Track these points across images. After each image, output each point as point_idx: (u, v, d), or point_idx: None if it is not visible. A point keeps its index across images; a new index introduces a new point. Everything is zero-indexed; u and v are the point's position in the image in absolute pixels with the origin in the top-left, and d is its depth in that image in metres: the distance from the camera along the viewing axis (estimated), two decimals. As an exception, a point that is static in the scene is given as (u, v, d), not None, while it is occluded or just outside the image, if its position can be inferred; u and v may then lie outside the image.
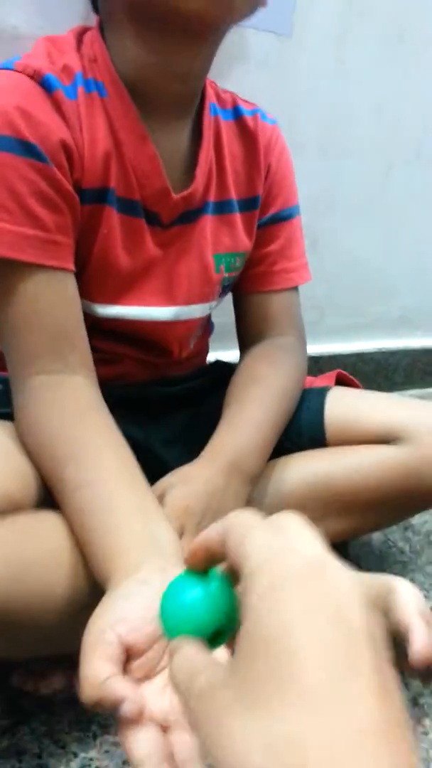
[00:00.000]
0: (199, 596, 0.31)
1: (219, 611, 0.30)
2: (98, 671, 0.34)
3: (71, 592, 0.49)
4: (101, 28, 0.63)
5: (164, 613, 0.32)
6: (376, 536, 0.85)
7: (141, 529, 0.46)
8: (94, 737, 0.54)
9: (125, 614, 0.37)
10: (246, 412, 0.66)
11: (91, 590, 0.48)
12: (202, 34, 0.58)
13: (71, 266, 0.58)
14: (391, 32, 1.04)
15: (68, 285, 0.58)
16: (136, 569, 0.41)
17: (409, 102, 1.11)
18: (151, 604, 0.35)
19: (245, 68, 0.61)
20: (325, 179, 1.10)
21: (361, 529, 0.76)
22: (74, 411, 0.56)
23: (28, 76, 0.56)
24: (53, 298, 0.57)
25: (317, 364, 1.24)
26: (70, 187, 0.57)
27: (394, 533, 0.87)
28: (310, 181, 0.78)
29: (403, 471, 0.67)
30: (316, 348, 1.24)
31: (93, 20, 0.65)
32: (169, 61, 0.59)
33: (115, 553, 0.44)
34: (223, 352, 0.88)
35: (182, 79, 0.62)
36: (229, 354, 0.83)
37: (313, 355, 1.23)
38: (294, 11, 0.93)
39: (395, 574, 0.76)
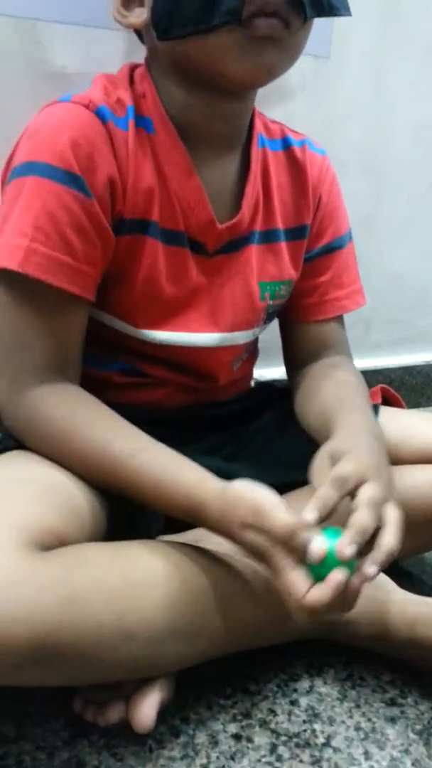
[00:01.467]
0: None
1: None
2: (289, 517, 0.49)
3: (116, 618, 0.49)
4: (148, 65, 0.66)
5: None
6: (429, 554, 0.84)
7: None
8: (150, 750, 0.56)
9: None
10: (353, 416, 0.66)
11: (136, 617, 0.50)
12: (245, 91, 0.63)
13: (90, 296, 0.62)
14: (428, 54, 1.05)
15: (82, 312, 0.62)
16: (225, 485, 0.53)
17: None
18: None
19: (284, 90, 0.63)
20: (367, 198, 1.11)
21: (418, 548, 0.75)
22: (89, 402, 0.61)
23: (84, 106, 0.60)
24: (68, 322, 0.61)
25: (364, 379, 1.24)
26: (106, 223, 0.61)
27: (447, 550, 0.86)
28: (352, 200, 0.79)
29: None
30: (362, 363, 1.23)
31: (136, 57, 0.68)
32: (213, 106, 0.62)
33: (203, 478, 0.55)
34: (265, 369, 0.89)
35: (226, 120, 0.65)
36: (270, 371, 0.85)
37: (360, 369, 1.23)
38: (332, 32, 0.95)
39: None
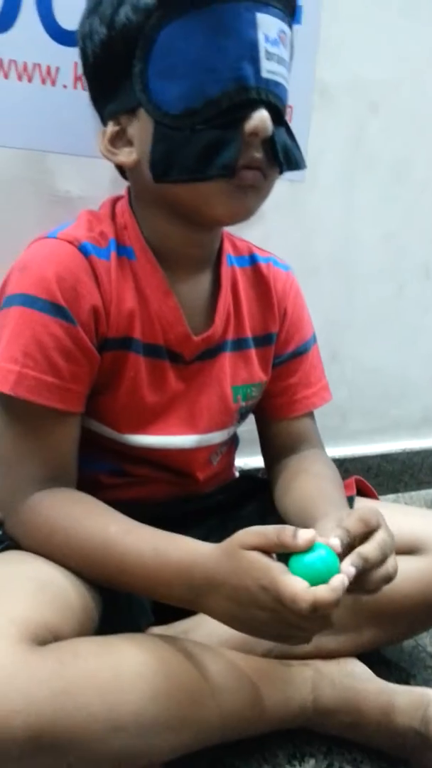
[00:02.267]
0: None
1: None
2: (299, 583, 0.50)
3: (107, 710, 0.52)
4: (130, 197, 0.74)
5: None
6: (407, 642, 0.87)
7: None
8: None
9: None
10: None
11: (125, 709, 0.53)
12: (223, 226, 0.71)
13: (78, 409, 0.67)
14: (392, 172, 1.16)
15: (73, 425, 0.68)
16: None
17: (415, 232, 1.23)
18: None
19: (263, 211, 0.71)
20: (341, 300, 1.20)
21: (394, 638, 0.79)
22: (83, 498, 0.66)
23: (68, 242, 0.67)
24: (60, 434, 0.67)
25: (342, 466, 1.29)
26: (91, 345, 0.67)
27: (424, 638, 0.89)
28: (327, 302, 0.87)
29: (428, 581, 0.71)
30: (340, 450, 1.30)
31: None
32: (191, 236, 0.70)
33: (194, 549, 0.59)
34: (249, 458, 0.94)
35: (201, 246, 0.73)
36: (255, 459, 0.89)
37: (338, 457, 1.29)
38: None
39: (426, 678, 0.79)
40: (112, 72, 0.66)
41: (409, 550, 0.74)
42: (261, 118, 0.62)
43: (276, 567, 0.53)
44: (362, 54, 1.07)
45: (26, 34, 0.81)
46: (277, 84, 0.64)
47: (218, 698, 0.59)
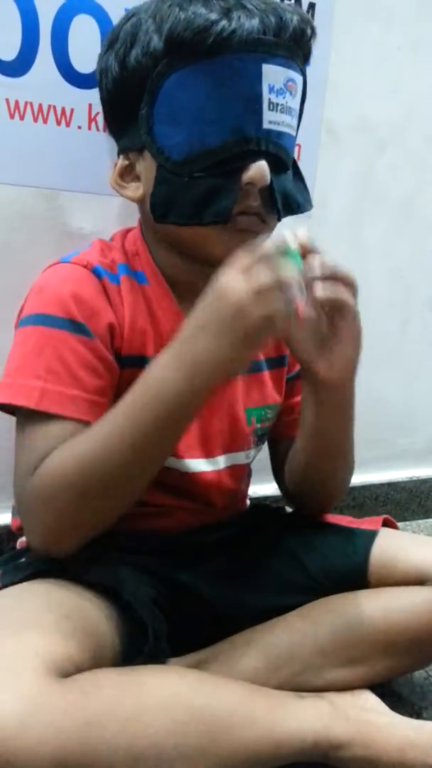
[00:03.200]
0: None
1: None
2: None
3: (128, 741, 0.53)
4: (141, 227, 0.76)
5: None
6: (418, 673, 0.87)
7: None
8: None
9: None
10: None
11: (146, 741, 0.53)
12: None
13: None
14: (399, 209, 1.19)
15: None
16: None
17: (421, 268, 1.25)
18: None
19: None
20: (348, 333, 1.21)
21: (406, 668, 0.79)
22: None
23: (82, 266, 0.69)
24: None
25: (351, 494, 1.30)
26: (110, 357, 0.68)
27: (434, 669, 0.89)
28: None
29: None
30: (348, 479, 1.30)
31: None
32: (199, 270, 0.70)
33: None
34: (258, 486, 0.94)
35: (210, 277, 0.73)
36: (264, 487, 0.90)
37: (346, 486, 1.30)
38: (313, 196, 1.08)
39: (437, 708, 0.79)
40: (123, 109, 0.68)
41: (420, 580, 0.74)
42: (258, 169, 0.63)
43: (243, 255, 0.59)
44: (369, 94, 1.10)
45: (42, 77, 0.84)
46: (279, 134, 0.65)
47: (235, 731, 0.59)
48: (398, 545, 0.78)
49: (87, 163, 0.88)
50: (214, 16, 0.61)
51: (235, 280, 0.58)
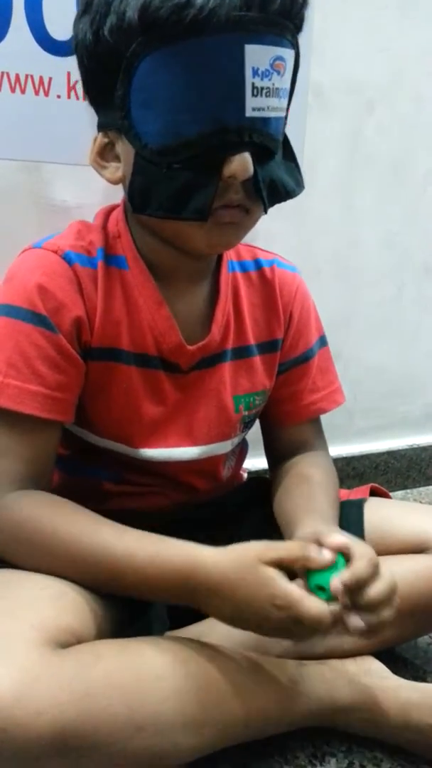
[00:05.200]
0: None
1: None
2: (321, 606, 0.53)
3: (128, 710, 0.53)
4: (126, 209, 0.72)
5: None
6: (421, 639, 0.87)
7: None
8: None
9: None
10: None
11: (146, 709, 0.53)
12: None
13: (63, 417, 0.67)
14: (390, 171, 1.17)
15: (56, 431, 0.67)
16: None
17: (415, 231, 1.23)
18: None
19: (262, 217, 0.71)
20: (342, 301, 1.20)
21: (409, 635, 0.79)
22: (66, 502, 0.64)
23: (53, 252, 0.67)
24: (42, 440, 0.66)
25: (350, 464, 1.30)
26: (75, 353, 0.67)
27: (438, 633, 0.88)
28: (329, 303, 0.87)
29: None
30: (347, 449, 1.30)
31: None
32: (182, 257, 0.69)
33: (195, 554, 0.58)
34: (256, 459, 0.93)
35: (194, 265, 0.71)
36: (262, 461, 0.90)
37: (345, 455, 1.30)
38: (302, 162, 1.06)
39: (441, 673, 0.79)
40: (100, 85, 0.63)
41: (419, 548, 0.73)
42: (240, 162, 0.59)
43: (296, 592, 0.54)
44: (356, 54, 1.07)
45: (18, 45, 0.82)
46: (265, 120, 0.59)
47: (237, 697, 0.59)
48: (394, 514, 0.78)
49: (68, 133, 0.85)
50: None
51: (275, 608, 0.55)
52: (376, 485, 0.85)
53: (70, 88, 0.85)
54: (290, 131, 0.70)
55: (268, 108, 0.59)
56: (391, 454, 1.35)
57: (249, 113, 0.58)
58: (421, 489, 1.40)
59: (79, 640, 0.56)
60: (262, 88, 0.58)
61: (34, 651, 0.51)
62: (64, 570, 0.60)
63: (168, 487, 0.76)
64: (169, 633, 0.67)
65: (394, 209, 1.20)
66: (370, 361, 1.27)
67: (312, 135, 1.05)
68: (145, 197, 0.62)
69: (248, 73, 0.57)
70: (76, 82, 0.85)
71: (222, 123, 0.58)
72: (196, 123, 0.58)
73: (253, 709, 0.60)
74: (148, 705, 0.54)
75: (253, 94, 0.57)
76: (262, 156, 0.61)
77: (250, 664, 0.63)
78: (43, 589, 0.59)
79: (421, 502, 1.35)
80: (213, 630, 0.67)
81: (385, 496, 0.85)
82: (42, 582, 0.60)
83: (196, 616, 0.69)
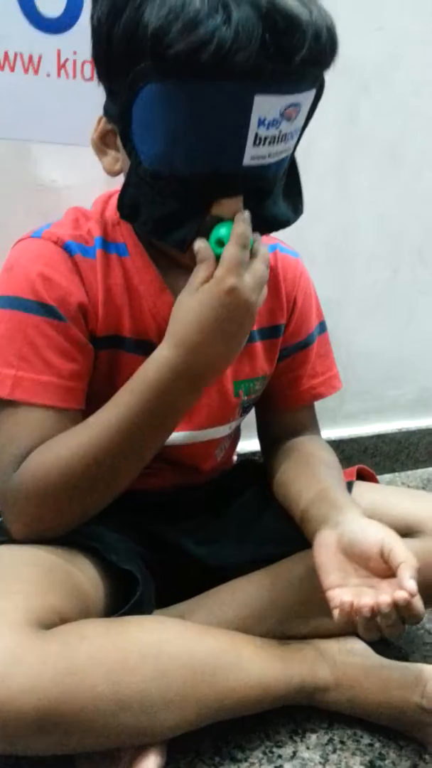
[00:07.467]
0: None
1: None
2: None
3: (112, 689, 0.54)
4: None
5: None
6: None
7: None
8: None
9: None
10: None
11: (130, 688, 0.54)
12: None
13: (79, 405, 0.66)
14: (384, 154, 1.16)
15: (71, 420, 0.65)
16: None
17: (409, 215, 1.22)
18: None
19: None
20: (337, 284, 1.19)
21: None
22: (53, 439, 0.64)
23: (53, 242, 0.66)
24: (57, 432, 0.64)
25: (339, 447, 1.30)
26: (84, 339, 0.66)
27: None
28: (323, 286, 0.87)
29: (425, 562, 0.70)
30: (338, 432, 1.30)
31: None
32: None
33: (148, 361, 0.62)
34: (246, 441, 0.94)
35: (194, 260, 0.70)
36: (251, 443, 0.90)
37: (335, 438, 1.30)
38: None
39: (425, 654, 0.80)
40: (107, 77, 0.60)
41: (406, 533, 0.73)
42: (230, 205, 0.58)
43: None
44: (351, 32, 1.05)
45: (6, 22, 0.80)
46: (264, 167, 0.57)
47: (220, 676, 0.60)
48: (381, 498, 0.78)
49: (58, 112, 0.84)
50: (212, 24, 0.49)
51: (246, 284, 0.59)
52: (363, 466, 0.86)
53: (60, 66, 0.84)
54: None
55: (269, 155, 0.57)
56: (380, 438, 1.36)
57: (247, 162, 0.56)
58: (409, 472, 1.41)
59: (63, 619, 0.57)
60: (265, 138, 0.55)
61: (18, 632, 0.52)
62: (110, 448, 0.61)
63: (166, 469, 0.77)
64: (155, 612, 0.68)
65: (389, 192, 1.18)
66: (362, 345, 1.27)
67: (306, 117, 1.04)
68: (135, 210, 0.62)
69: (253, 122, 0.54)
70: (66, 60, 0.83)
71: (216, 168, 0.56)
72: (190, 162, 0.56)
73: (236, 688, 0.61)
74: (133, 684, 0.55)
75: (254, 144, 0.55)
76: (257, 195, 0.60)
77: (233, 643, 0.64)
78: (28, 568, 0.59)
79: (408, 485, 1.36)
80: (197, 609, 0.68)
81: (372, 477, 0.86)
82: (27, 560, 0.60)
83: (182, 597, 0.70)
